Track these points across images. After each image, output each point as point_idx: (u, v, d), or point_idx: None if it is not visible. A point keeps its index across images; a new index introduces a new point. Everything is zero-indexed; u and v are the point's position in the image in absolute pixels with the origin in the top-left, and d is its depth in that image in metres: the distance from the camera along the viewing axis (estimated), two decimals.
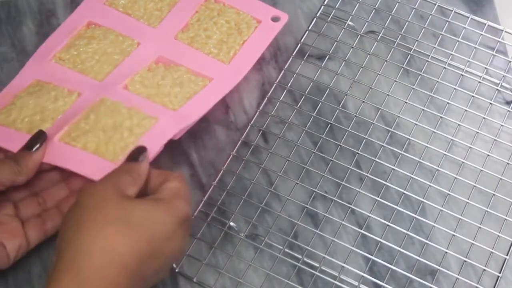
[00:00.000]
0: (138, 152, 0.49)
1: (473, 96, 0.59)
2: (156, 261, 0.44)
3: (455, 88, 0.60)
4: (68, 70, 0.58)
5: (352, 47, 0.62)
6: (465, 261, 0.52)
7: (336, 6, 0.64)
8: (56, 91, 0.56)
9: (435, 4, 0.64)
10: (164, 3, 0.62)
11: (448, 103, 0.59)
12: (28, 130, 0.53)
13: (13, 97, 0.57)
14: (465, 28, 0.62)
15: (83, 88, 0.56)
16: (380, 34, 0.63)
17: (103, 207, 0.43)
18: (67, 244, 0.42)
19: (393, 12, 0.64)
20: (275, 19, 0.62)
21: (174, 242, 0.45)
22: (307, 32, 0.63)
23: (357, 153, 0.57)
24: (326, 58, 0.62)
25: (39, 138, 0.51)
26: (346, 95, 0.60)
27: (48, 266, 0.53)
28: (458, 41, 0.62)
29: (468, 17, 0.63)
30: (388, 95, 0.60)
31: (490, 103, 0.59)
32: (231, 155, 0.57)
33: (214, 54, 0.59)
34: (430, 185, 0.55)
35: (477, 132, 0.58)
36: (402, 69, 0.61)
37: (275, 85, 0.61)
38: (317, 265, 0.52)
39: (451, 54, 0.61)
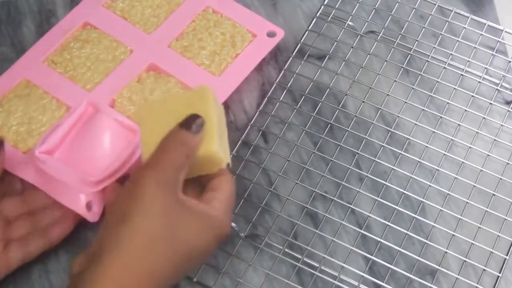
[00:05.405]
0: (193, 119, 0.44)
1: (473, 96, 0.59)
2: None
3: (455, 88, 0.60)
4: (59, 76, 0.58)
5: (352, 47, 0.62)
6: (465, 261, 0.52)
7: (336, 6, 0.64)
8: (45, 101, 0.56)
9: (435, 4, 0.64)
10: (161, 10, 0.62)
11: (448, 103, 0.59)
12: (14, 143, 0.54)
13: (1, 97, 0.57)
14: (465, 28, 0.62)
15: (72, 101, 0.56)
16: (380, 34, 0.63)
17: (156, 211, 0.42)
18: (111, 229, 0.42)
19: (393, 12, 0.64)
20: (270, 34, 0.61)
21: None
22: (307, 32, 0.63)
23: (357, 153, 0.57)
24: (326, 58, 0.62)
25: None
26: (346, 95, 0.60)
27: (47, 267, 0.53)
28: (458, 41, 0.62)
29: (468, 17, 0.63)
30: (388, 95, 0.60)
31: (490, 103, 0.59)
32: (231, 155, 0.57)
33: (206, 66, 0.59)
34: (430, 185, 0.55)
35: (477, 132, 0.58)
36: (402, 69, 0.61)
37: (275, 85, 0.61)
38: (317, 265, 0.52)
39: (451, 54, 0.61)
